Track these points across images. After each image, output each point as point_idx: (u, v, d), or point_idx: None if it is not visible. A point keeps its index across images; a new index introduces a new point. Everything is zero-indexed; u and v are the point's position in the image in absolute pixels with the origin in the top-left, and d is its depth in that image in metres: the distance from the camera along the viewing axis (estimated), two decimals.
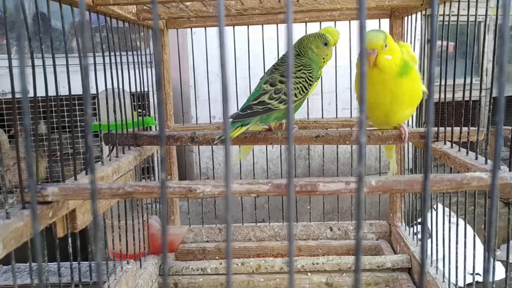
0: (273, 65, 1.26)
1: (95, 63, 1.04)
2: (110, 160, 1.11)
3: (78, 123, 2.62)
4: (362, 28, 0.33)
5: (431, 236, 1.52)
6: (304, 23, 1.57)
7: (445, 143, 1.15)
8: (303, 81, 1.20)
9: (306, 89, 1.21)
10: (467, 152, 1.02)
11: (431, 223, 1.39)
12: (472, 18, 1.05)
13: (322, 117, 1.60)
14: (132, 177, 1.20)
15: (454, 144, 1.12)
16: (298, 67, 1.21)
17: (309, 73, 1.21)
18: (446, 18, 1.16)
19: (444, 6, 1.25)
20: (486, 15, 1.03)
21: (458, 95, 1.10)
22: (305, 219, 1.78)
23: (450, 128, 1.15)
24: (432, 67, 0.34)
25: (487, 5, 1.02)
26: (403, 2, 1.22)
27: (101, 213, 1.04)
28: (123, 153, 1.20)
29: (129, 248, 1.30)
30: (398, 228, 1.61)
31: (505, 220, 1.10)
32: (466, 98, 1.06)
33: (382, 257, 1.46)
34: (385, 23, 1.57)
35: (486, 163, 0.92)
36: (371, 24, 1.58)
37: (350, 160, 2.19)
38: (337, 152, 1.77)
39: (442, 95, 1.13)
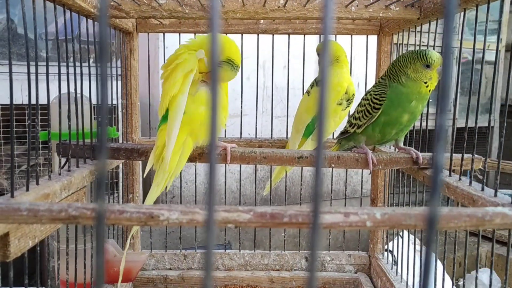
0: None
1: (59, 72, 0.91)
2: (60, 174, 0.94)
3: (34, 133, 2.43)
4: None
5: (397, 263, 1.44)
6: (288, 35, 1.45)
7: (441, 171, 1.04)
8: (366, 104, 1.15)
9: (369, 113, 1.13)
10: (470, 182, 0.91)
11: (397, 250, 1.40)
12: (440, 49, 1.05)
13: (287, 137, 1.48)
14: (86, 195, 1.03)
15: (452, 173, 1.01)
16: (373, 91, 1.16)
17: (376, 95, 1.12)
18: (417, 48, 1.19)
19: (415, 36, 1.26)
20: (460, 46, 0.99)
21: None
22: (279, 247, 1.64)
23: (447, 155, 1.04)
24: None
25: (462, 36, 0.98)
26: (398, 14, 1.12)
27: (44, 237, 0.87)
28: (77, 166, 1.04)
29: (78, 276, 1.13)
30: (379, 260, 1.48)
31: (470, 250, 1.06)
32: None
33: None
34: (373, 40, 1.48)
35: (495, 195, 0.81)
36: (359, 40, 1.48)
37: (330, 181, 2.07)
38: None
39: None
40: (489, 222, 0.60)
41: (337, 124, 1.34)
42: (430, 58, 1.05)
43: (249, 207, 0.60)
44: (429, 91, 1.08)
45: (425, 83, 1.07)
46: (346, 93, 1.28)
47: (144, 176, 1.06)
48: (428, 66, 1.06)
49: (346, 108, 1.31)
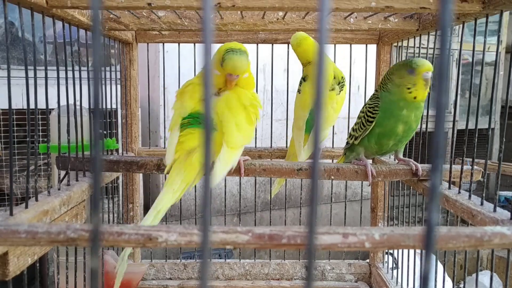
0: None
1: (58, 77, 0.91)
2: (59, 189, 0.94)
3: (40, 138, 2.43)
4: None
5: (397, 266, 1.44)
6: (287, 44, 1.45)
7: (440, 183, 1.04)
8: (362, 116, 1.16)
9: (364, 125, 1.13)
10: (470, 196, 0.91)
11: (397, 252, 1.42)
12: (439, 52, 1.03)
13: (286, 146, 1.48)
14: (85, 209, 1.03)
15: (452, 185, 1.01)
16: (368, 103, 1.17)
17: (370, 107, 1.12)
18: (416, 50, 1.21)
19: (414, 39, 1.25)
20: (460, 49, 0.99)
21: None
22: (279, 250, 1.64)
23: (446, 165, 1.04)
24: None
25: (461, 38, 0.98)
26: (397, 26, 1.12)
27: (43, 253, 0.87)
28: (77, 180, 1.04)
29: None
30: (379, 269, 1.48)
31: (470, 252, 1.05)
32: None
33: None
34: (372, 48, 1.48)
35: (495, 210, 0.81)
36: (358, 49, 1.48)
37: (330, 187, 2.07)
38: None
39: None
40: (487, 243, 0.60)
41: (336, 111, 1.30)
42: (414, 64, 1.03)
43: (247, 228, 0.60)
44: (414, 98, 1.05)
45: (408, 89, 1.05)
46: (334, 77, 1.28)
47: (165, 172, 1.04)
48: (411, 72, 1.04)
49: (340, 91, 1.29)
